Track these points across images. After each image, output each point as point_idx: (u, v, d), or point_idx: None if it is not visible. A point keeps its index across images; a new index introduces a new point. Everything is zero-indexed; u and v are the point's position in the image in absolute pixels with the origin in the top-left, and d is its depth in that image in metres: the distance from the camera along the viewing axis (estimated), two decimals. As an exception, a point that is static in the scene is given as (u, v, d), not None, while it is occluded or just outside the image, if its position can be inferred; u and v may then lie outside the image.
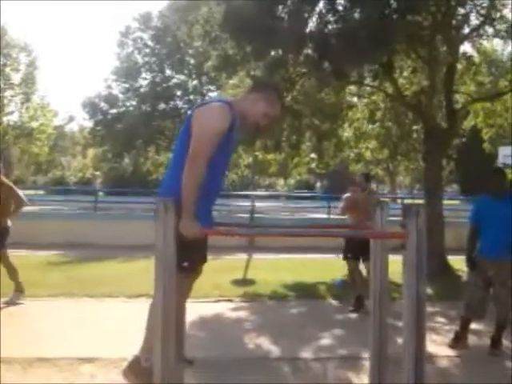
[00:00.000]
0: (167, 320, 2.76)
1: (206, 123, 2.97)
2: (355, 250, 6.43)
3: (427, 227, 2.92)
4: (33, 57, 36.70)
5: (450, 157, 13.99)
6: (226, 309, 6.68)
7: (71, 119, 47.35)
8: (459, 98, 11.82)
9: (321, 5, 9.01)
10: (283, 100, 3.38)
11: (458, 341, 5.14)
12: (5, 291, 6.76)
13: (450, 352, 5.03)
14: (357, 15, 8.66)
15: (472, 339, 5.27)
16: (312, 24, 9.07)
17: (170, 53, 37.35)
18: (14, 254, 10.35)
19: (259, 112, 3.13)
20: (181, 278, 2.89)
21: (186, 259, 2.99)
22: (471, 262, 5.11)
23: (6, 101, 35.94)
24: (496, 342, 5.02)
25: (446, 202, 13.08)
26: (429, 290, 6.83)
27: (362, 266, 6.69)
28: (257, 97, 3.14)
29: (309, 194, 34.36)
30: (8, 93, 36.10)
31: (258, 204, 16.09)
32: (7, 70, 35.32)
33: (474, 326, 5.33)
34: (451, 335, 5.26)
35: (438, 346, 5.16)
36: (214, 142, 2.95)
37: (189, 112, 3.27)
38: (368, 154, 14.36)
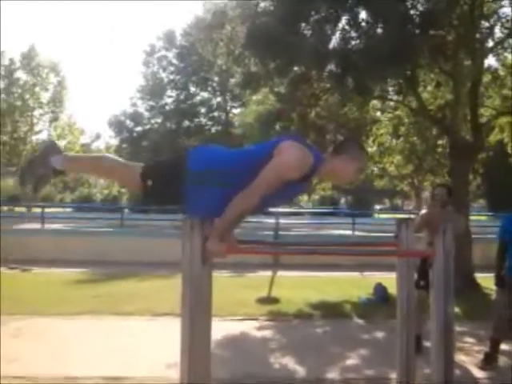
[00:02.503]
0: (193, 339, 2.74)
1: (282, 164, 2.94)
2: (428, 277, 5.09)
3: (454, 244, 2.87)
4: (61, 77, 37.55)
5: (477, 171, 13.80)
6: (251, 327, 6.63)
7: (98, 137, 47.84)
8: (484, 112, 11.69)
9: (343, 21, 9.05)
10: (365, 149, 3.46)
11: (488, 362, 5.02)
12: (21, 309, 6.85)
13: (480, 373, 4.91)
14: (379, 31, 8.67)
15: (502, 360, 5.14)
16: (335, 40, 9.11)
17: (194, 70, 37.75)
18: (41, 272, 10.57)
19: (354, 170, 3.19)
20: None
21: None
22: (500, 280, 5.01)
23: (35, 120, 36.78)
24: (528, 362, 4.89)
25: (473, 217, 12.87)
26: (456, 309, 6.69)
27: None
28: (348, 157, 3.18)
29: (333, 210, 34.09)
30: (37, 112, 36.94)
31: (282, 220, 16.02)
32: (37, 89, 36.18)
33: (504, 346, 5.20)
34: (480, 356, 5.15)
35: (467, 366, 5.04)
36: (278, 183, 2.95)
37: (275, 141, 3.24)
38: (392, 169, 14.28)
